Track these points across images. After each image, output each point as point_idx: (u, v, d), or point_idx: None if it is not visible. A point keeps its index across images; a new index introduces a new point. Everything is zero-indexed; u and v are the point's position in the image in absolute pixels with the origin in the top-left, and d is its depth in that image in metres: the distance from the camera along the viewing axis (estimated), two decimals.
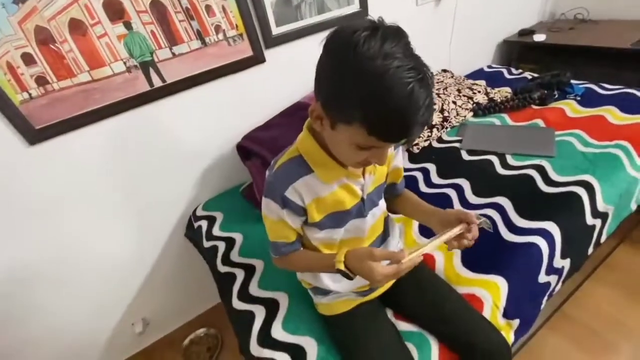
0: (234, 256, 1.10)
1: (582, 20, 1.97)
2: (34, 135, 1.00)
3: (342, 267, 0.61)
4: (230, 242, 1.16)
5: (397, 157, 0.76)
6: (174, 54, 1.13)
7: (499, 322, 0.85)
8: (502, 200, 1.05)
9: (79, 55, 1.00)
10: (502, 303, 0.85)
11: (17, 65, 0.92)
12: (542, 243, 0.92)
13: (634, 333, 1.20)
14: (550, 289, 0.97)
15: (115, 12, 1.01)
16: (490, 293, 0.85)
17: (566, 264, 0.98)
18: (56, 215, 1.13)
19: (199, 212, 1.34)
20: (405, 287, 0.85)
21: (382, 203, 0.78)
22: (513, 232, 0.96)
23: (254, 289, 0.98)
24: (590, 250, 1.06)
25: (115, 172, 1.19)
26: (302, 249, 0.75)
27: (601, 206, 1.02)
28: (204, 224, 1.27)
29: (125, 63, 1.07)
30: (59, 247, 1.18)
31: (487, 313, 0.83)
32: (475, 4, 1.82)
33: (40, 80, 0.97)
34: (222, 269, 1.08)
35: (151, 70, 1.11)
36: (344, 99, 0.48)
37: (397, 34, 0.46)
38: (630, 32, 1.70)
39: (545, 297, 0.97)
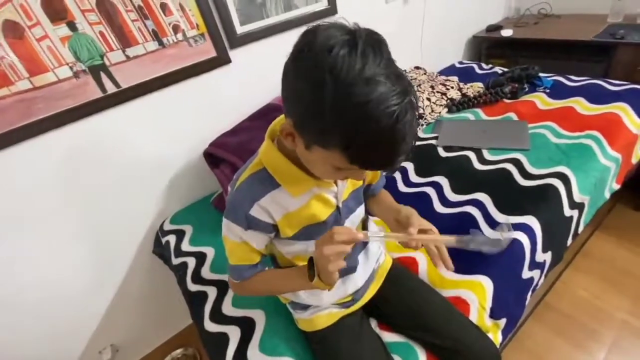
0: (205, 272, 1.02)
1: (545, 15, 2.02)
2: None
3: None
4: (200, 258, 1.07)
5: None
6: (128, 57, 1.04)
7: (486, 323, 0.82)
8: (482, 197, 1.03)
9: (16, 61, 0.89)
10: (488, 303, 0.83)
11: None
12: (523, 238, 0.90)
13: (614, 319, 1.21)
14: (534, 283, 0.95)
15: (57, 12, 0.91)
16: (476, 294, 0.82)
17: (547, 257, 0.97)
18: (4, 237, 1.01)
19: (167, 226, 1.24)
20: (388, 294, 0.80)
21: (360, 209, 0.72)
22: (494, 228, 0.93)
23: (227, 308, 0.90)
24: (569, 241, 1.06)
25: (68, 187, 1.08)
26: (266, 269, 0.69)
27: (577, 197, 1.02)
28: (172, 238, 1.18)
29: (71, 68, 0.97)
30: (6, 274, 1.05)
31: (473, 315, 0.80)
32: (443, 1, 1.83)
33: None
34: (193, 287, 1.00)
35: (102, 75, 1.02)
36: (321, 126, 0.43)
37: (378, 48, 0.40)
38: (592, 25, 1.75)
39: (530, 293, 0.96)
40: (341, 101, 0.39)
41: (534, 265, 0.93)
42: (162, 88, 1.13)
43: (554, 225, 0.96)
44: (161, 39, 1.07)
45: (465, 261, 0.86)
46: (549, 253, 0.97)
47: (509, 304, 0.87)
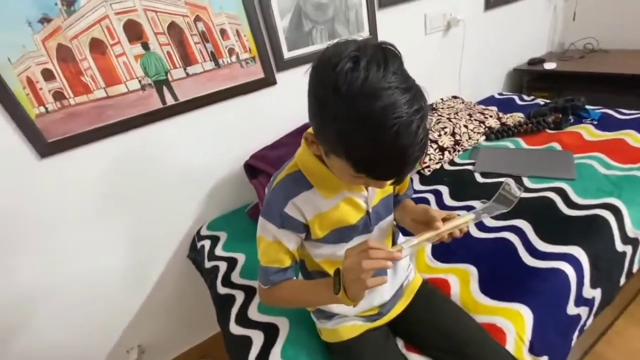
0: (235, 277, 1.05)
1: (592, 50, 1.98)
2: (45, 148, 1.02)
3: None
4: (232, 263, 1.11)
5: None
6: (187, 74, 1.16)
7: (525, 358, 0.75)
8: (522, 223, 0.98)
9: (96, 73, 1.03)
10: (528, 336, 0.76)
11: (37, 80, 0.96)
12: (568, 269, 0.84)
13: None
14: (581, 322, 0.87)
15: (135, 33, 1.05)
16: (514, 324, 0.76)
17: (597, 294, 0.89)
18: (58, 230, 1.12)
19: (203, 232, 1.31)
20: (417, 313, 0.78)
21: (390, 217, 0.73)
22: (535, 256, 0.88)
23: (253, 313, 0.91)
24: (622, 280, 0.97)
25: (119, 187, 1.19)
26: (294, 278, 0.70)
27: (630, 231, 0.94)
28: (207, 243, 1.23)
29: (140, 81, 1.10)
30: (56, 264, 1.15)
31: (510, 347, 0.74)
32: (483, 34, 1.86)
33: (58, 95, 1.00)
34: (222, 290, 1.02)
35: (165, 89, 1.14)
36: (329, 137, 0.47)
37: (383, 61, 0.41)
38: None
39: (576, 332, 0.87)
40: (343, 116, 0.42)
41: (581, 301, 0.86)
42: (213, 103, 1.24)
43: (603, 258, 0.89)
44: (217, 60, 1.20)
45: (503, 287, 0.83)
46: (599, 290, 0.89)
47: (552, 340, 0.80)
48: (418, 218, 0.65)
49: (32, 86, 0.96)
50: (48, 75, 0.97)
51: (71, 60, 0.99)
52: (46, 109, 0.99)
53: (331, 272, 0.69)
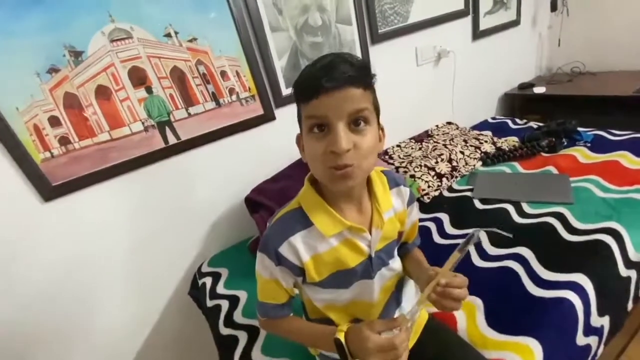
0: (237, 317, 1.03)
1: (579, 73, 2.05)
2: (49, 192, 1.04)
3: (342, 336, 0.57)
4: (234, 301, 1.09)
5: (413, 213, 0.74)
6: (189, 114, 1.20)
7: None
8: (524, 251, 0.98)
9: (101, 117, 1.07)
10: None
11: (43, 127, 0.99)
12: (574, 298, 0.83)
13: None
14: (592, 352, 0.85)
15: (139, 79, 1.10)
16: (524, 359, 0.75)
17: (605, 322, 0.88)
18: (62, 271, 1.12)
19: (204, 269, 1.30)
20: (425, 350, 0.76)
21: (396, 264, 0.72)
22: (540, 285, 0.87)
23: (256, 355, 0.89)
24: (630, 305, 0.96)
25: (122, 226, 1.20)
26: (292, 315, 0.70)
27: (633, 255, 0.94)
28: (208, 281, 1.22)
29: (143, 123, 1.13)
30: (59, 303, 1.14)
31: None
32: (473, 63, 1.94)
33: (63, 140, 1.03)
34: (224, 331, 1.00)
35: (167, 129, 1.18)
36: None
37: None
38: (630, 81, 1.75)
39: None
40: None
41: (590, 330, 0.85)
42: (214, 140, 1.28)
43: (608, 285, 0.88)
44: (218, 99, 1.24)
45: (511, 320, 0.81)
46: (607, 318, 0.88)
47: None
48: (424, 279, 0.64)
49: (39, 133, 0.99)
50: (54, 121, 1.00)
51: (77, 107, 1.03)
52: (51, 153, 1.02)
53: (335, 318, 0.69)
